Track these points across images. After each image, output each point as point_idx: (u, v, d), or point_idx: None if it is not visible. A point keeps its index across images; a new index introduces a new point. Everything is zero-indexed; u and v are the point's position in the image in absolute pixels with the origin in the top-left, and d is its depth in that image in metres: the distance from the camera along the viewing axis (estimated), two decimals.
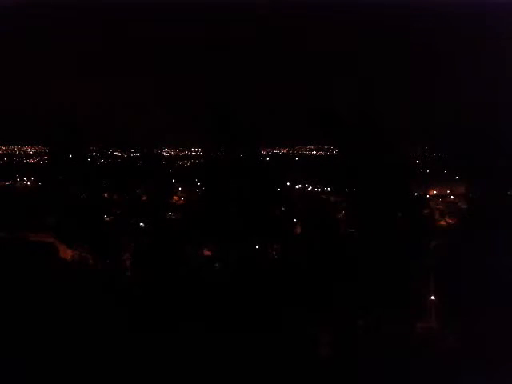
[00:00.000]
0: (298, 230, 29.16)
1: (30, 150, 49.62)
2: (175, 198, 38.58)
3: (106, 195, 31.67)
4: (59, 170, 30.35)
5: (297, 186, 36.86)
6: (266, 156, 32.82)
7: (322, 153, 45.21)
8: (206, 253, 28.51)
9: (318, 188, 35.80)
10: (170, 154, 47.15)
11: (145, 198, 31.46)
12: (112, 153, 33.17)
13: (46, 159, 42.44)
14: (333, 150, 31.48)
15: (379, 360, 21.04)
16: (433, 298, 25.07)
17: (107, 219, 29.87)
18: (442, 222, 32.82)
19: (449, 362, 20.87)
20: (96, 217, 29.25)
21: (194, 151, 47.32)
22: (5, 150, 49.48)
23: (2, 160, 48.60)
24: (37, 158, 48.37)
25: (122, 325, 22.66)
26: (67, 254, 29.04)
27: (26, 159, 49.10)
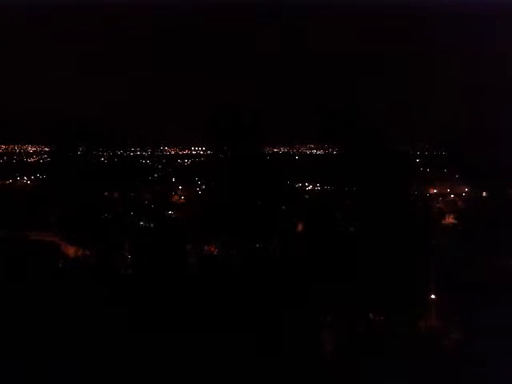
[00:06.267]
0: (300, 228, 29.22)
1: (30, 149, 49.60)
2: (175, 197, 38.63)
3: (106, 194, 31.73)
4: (61, 168, 30.44)
5: (297, 185, 36.92)
6: (267, 155, 32.86)
7: (322, 151, 45.23)
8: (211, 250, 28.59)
9: (318, 187, 35.86)
10: (170, 152, 47.25)
11: (146, 196, 31.58)
12: (113, 152, 33.22)
13: (46, 158, 42.51)
14: (333, 148, 31.54)
15: (380, 359, 21.15)
16: (433, 296, 25.16)
17: (108, 217, 29.93)
18: (443, 221, 32.96)
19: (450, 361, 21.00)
20: (97, 215, 29.31)
21: (195, 150, 47.46)
22: (5, 148, 49.44)
23: (2, 159, 48.55)
24: (37, 156, 48.41)
25: (122, 322, 22.72)
26: (69, 251, 29.09)
27: (26, 158, 49.09)
